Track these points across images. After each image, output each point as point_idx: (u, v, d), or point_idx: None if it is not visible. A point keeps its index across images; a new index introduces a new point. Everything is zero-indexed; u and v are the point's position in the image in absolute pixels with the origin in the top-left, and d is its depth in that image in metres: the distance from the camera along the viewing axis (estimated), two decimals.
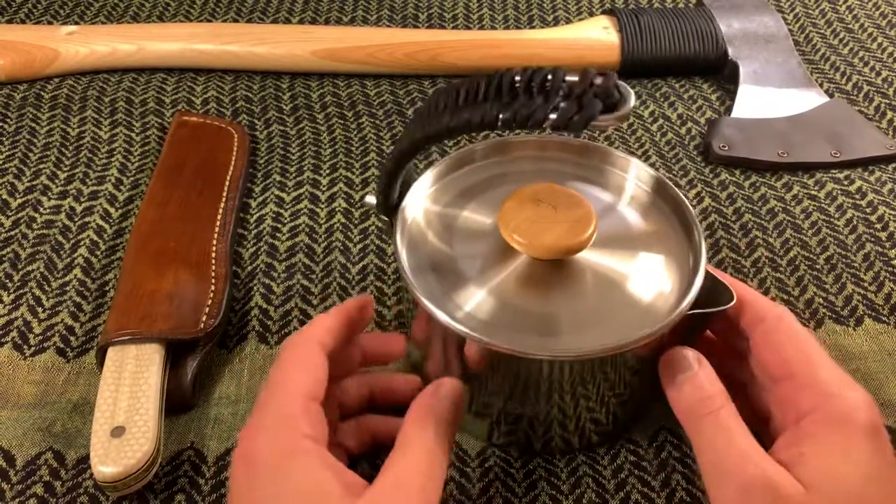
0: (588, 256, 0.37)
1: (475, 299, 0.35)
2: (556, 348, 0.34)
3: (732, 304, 0.35)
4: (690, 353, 0.34)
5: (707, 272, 0.36)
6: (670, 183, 0.40)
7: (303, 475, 0.31)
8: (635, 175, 0.41)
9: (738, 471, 0.30)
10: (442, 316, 0.34)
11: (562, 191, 0.37)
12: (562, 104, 0.29)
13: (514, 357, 0.33)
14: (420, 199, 0.40)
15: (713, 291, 0.35)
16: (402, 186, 0.39)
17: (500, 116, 0.30)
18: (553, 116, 0.29)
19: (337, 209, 0.54)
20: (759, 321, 0.35)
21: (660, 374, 0.35)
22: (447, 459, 0.32)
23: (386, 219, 0.39)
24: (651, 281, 0.36)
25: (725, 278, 0.36)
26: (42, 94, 0.63)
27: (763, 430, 0.37)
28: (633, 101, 0.29)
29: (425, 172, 0.40)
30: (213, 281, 0.46)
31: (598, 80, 0.30)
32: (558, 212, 0.36)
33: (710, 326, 0.38)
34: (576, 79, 0.30)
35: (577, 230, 0.35)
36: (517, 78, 0.30)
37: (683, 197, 0.39)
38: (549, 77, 0.30)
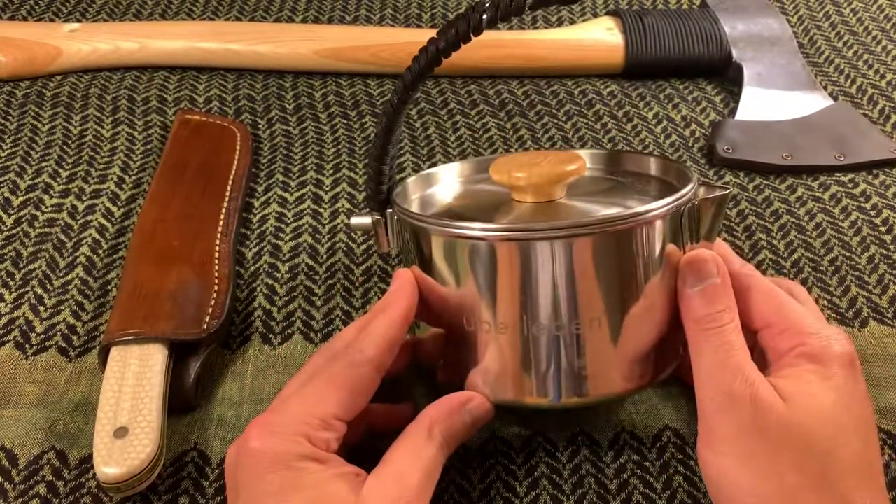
0: (580, 199, 0.38)
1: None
2: (562, 224, 0.34)
3: (729, 190, 0.36)
4: (712, 261, 0.35)
5: (698, 177, 0.37)
6: (637, 150, 0.41)
7: (313, 476, 0.32)
8: (610, 157, 0.43)
9: (729, 381, 0.33)
10: (450, 222, 0.35)
11: (547, 151, 0.41)
12: None
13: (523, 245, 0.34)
14: (410, 192, 0.41)
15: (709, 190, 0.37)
16: (389, 184, 0.39)
17: (484, 17, 0.31)
18: None
19: (340, 210, 0.54)
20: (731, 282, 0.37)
21: (679, 273, 0.36)
22: (443, 462, 0.35)
23: (377, 217, 0.39)
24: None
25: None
26: (44, 91, 0.63)
27: None
28: None
29: (416, 177, 0.42)
30: (216, 281, 0.46)
31: None
32: (546, 158, 0.39)
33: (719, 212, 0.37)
34: None
35: (568, 160, 0.38)
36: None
37: (651, 155, 0.41)
38: None
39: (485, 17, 0.31)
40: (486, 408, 0.37)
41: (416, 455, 0.33)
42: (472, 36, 0.32)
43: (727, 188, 0.36)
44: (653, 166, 0.41)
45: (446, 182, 0.43)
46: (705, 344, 0.34)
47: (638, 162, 0.42)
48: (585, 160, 0.42)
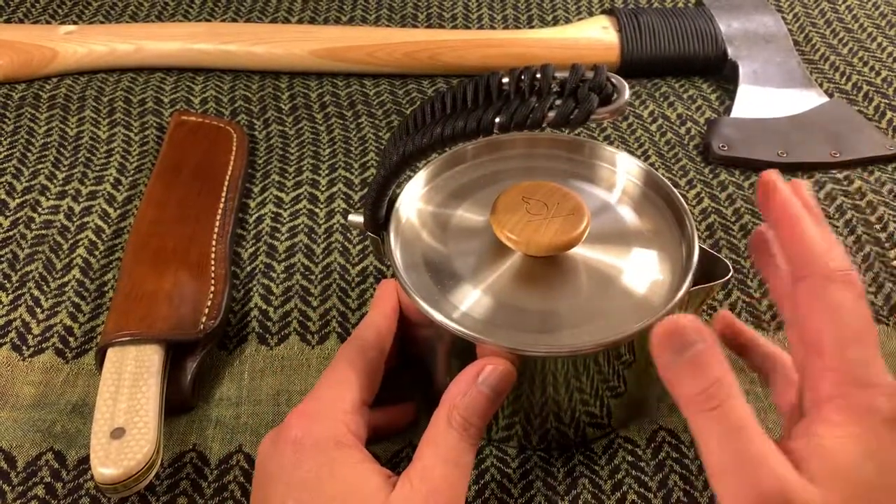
0: (582, 251, 0.37)
1: (471, 298, 0.36)
2: (554, 344, 0.34)
3: (730, 275, 0.35)
4: (689, 325, 0.29)
5: (701, 248, 0.36)
6: (660, 175, 0.40)
7: (349, 465, 0.32)
8: (625, 169, 0.41)
9: (752, 479, 0.28)
10: (437, 315, 0.34)
11: (552, 187, 0.37)
12: (557, 102, 0.29)
13: (511, 355, 0.33)
14: (413, 199, 0.40)
15: (709, 265, 0.36)
16: (389, 201, 0.38)
17: (497, 120, 0.30)
18: (551, 115, 0.29)
19: (336, 210, 0.54)
20: (806, 275, 0.30)
21: (653, 349, 0.30)
22: (475, 446, 0.33)
23: (374, 236, 0.38)
24: (645, 272, 0.36)
25: (786, 202, 0.32)
26: (40, 93, 0.63)
27: (783, 386, 0.36)
28: (627, 93, 0.29)
29: (418, 172, 0.40)
30: (213, 282, 0.46)
31: (590, 74, 0.30)
32: (550, 209, 0.36)
33: (709, 298, 0.37)
34: (565, 75, 0.30)
35: (570, 226, 0.35)
36: (505, 80, 0.30)
37: (673, 188, 0.39)
38: (539, 75, 0.30)
39: (497, 119, 0.30)
40: (501, 371, 0.33)
41: (436, 446, 0.33)
42: (479, 134, 0.30)
43: (728, 270, 0.35)
44: (674, 207, 0.39)
45: (445, 184, 0.41)
46: (708, 432, 0.28)
47: (665, 196, 0.39)
48: (621, 164, 0.41)
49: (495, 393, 0.33)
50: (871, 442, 0.28)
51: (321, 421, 0.33)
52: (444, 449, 0.32)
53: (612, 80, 0.29)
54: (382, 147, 0.59)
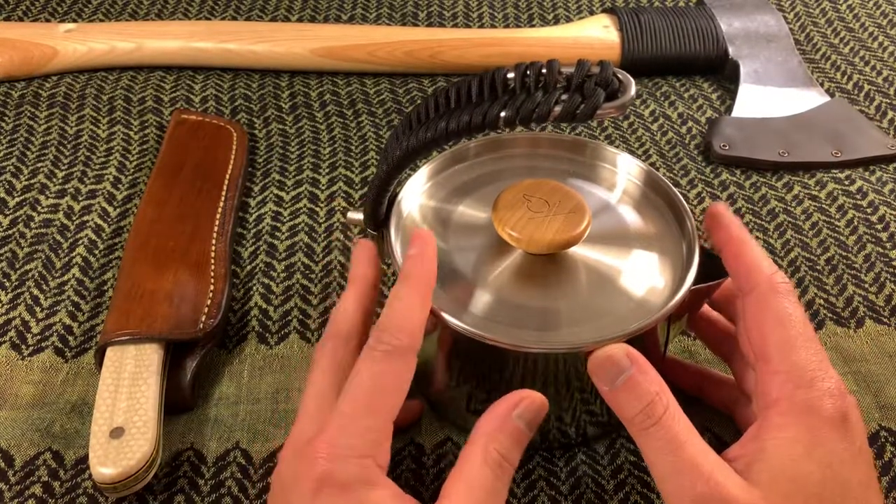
0: (582, 250, 0.37)
1: (472, 294, 0.35)
2: (554, 342, 0.34)
3: (728, 278, 0.35)
4: (617, 352, 0.32)
5: (701, 248, 0.36)
6: (661, 176, 0.40)
7: None
8: (626, 169, 0.41)
9: (689, 487, 0.29)
10: (437, 311, 0.34)
11: (554, 186, 0.37)
12: (563, 96, 0.29)
13: (512, 351, 0.33)
14: (414, 195, 0.40)
15: (709, 265, 0.35)
16: (390, 198, 0.38)
17: (502, 114, 0.29)
18: (557, 109, 0.29)
19: (336, 208, 0.53)
20: (752, 288, 0.33)
21: (594, 383, 0.32)
22: (507, 487, 0.32)
23: (373, 233, 0.38)
24: (645, 271, 0.36)
25: (730, 226, 0.35)
26: (40, 92, 0.63)
27: (744, 410, 0.38)
28: (633, 88, 0.29)
29: (419, 169, 0.40)
30: (213, 281, 0.46)
31: (596, 70, 0.29)
32: (551, 207, 0.36)
33: (707, 297, 0.38)
34: (571, 70, 0.29)
35: (571, 224, 0.35)
36: (510, 75, 0.30)
37: (674, 188, 0.39)
38: (544, 70, 0.30)
39: (503, 114, 0.29)
40: (537, 405, 0.32)
41: (469, 485, 0.30)
42: (484, 128, 0.30)
43: (727, 275, 0.35)
44: (675, 207, 0.39)
45: (446, 182, 0.41)
46: (648, 447, 0.30)
47: (666, 196, 0.39)
48: (623, 164, 0.40)
49: (529, 429, 0.32)
50: (811, 441, 0.29)
51: (350, 459, 0.30)
52: (479, 490, 0.30)
53: (619, 75, 0.29)
54: (383, 145, 0.58)
